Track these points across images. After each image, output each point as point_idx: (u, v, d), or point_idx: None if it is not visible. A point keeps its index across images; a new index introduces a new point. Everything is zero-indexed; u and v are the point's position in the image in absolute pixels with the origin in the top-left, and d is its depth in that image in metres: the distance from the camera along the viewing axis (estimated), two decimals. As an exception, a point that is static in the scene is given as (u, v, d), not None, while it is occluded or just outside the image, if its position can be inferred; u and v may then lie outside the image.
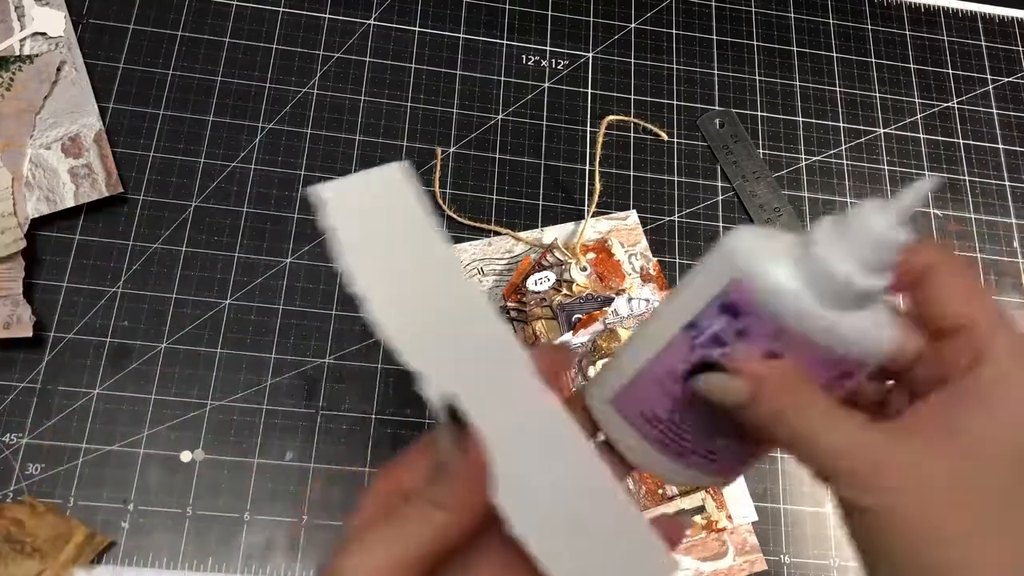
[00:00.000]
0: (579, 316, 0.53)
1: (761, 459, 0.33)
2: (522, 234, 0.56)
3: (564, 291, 0.54)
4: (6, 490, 0.47)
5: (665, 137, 0.61)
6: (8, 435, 0.48)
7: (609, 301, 0.54)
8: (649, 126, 0.61)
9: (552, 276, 0.54)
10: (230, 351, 0.52)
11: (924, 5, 0.70)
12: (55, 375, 0.50)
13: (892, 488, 0.23)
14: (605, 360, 0.51)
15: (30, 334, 0.49)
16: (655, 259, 0.56)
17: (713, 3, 0.67)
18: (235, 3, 0.61)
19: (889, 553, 0.23)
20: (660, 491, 0.49)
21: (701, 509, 0.50)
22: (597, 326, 0.53)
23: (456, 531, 0.25)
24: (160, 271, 0.53)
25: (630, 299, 0.54)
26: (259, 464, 0.50)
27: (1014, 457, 0.23)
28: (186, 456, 0.49)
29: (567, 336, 0.52)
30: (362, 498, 0.28)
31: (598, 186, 0.57)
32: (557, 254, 0.54)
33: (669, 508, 0.49)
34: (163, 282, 0.53)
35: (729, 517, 0.50)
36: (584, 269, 0.54)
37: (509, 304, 0.54)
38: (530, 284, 0.53)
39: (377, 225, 0.29)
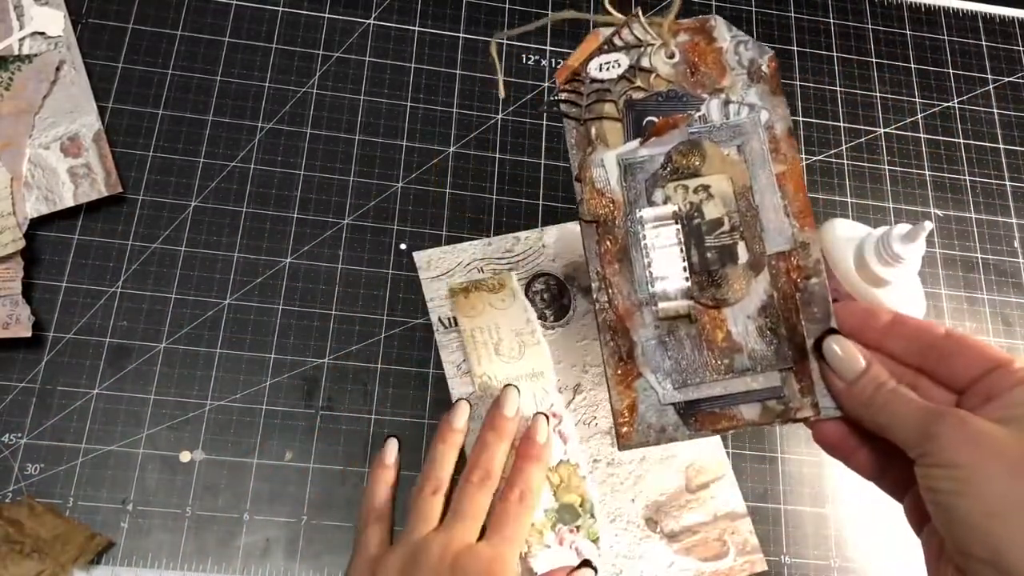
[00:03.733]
0: (653, 119, 0.40)
1: None
2: (602, 16, 0.42)
3: (638, 82, 0.40)
4: (5, 490, 0.47)
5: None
6: (7, 435, 0.48)
7: (698, 102, 0.40)
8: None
9: (625, 60, 0.40)
10: (230, 351, 0.52)
11: (924, 5, 0.70)
12: (54, 375, 0.50)
13: (968, 464, 0.29)
14: (680, 183, 0.39)
15: (29, 334, 0.49)
16: (771, 51, 0.40)
17: (713, 3, 0.67)
18: (234, 2, 0.61)
19: (963, 520, 0.29)
20: (727, 361, 0.38)
21: (779, 391, 0.38)
22: (676, 135, 0.39)
23: None
24: (159, 271, 0.53)
25: (727, 102, 0.39)
26: (258, 464, 0.50)
27: None
28: (186, 456, 0.49)
29: (633, 144, 0.39)
30: None
31: None
32: (637, 32, 0.40)
33: (735, 384, 0.38)
34: (162, 282, 0.53)
35: (815, 405, 0.37)
36: (672, 56, 0.40)
37: (562, 92, 0.40)
38: (592, 68, 0.40)
39: None
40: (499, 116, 0.61)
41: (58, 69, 0.55)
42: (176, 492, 0.48)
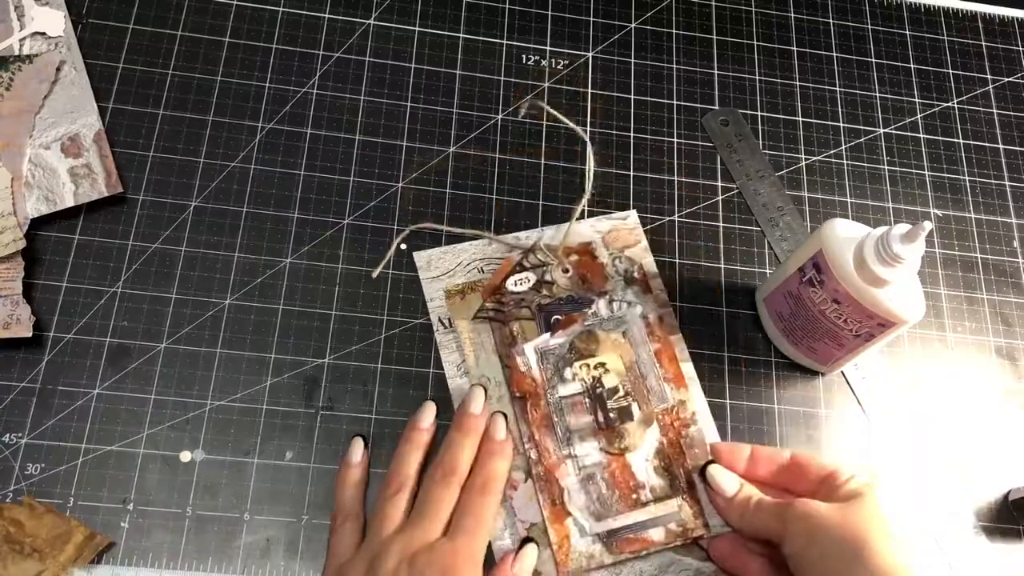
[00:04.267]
0: (558, 317, 0.52)
1: (854, 358, 0.52)
2: (509, 238, 0.56)
3: (544, 292, 0.53)
4: (6, 490, 0.47)
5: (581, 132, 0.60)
6: (8, 435, 0.48)
7: (589, 303, 0.53)
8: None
9: (533, 277, 0.53)
10: (230, 351, 0.52)
11: (924, 5, 0.70)
12: (55, 375, 0.50)
13: (795, 549, 0.42)
14: (583, 362, 0.51)
15: (30, 334, 0.49)
16: (640, 261, 0.55)
17: (713, 3, 0.67)
18: (235, 3, 0.61)
19: (816, 567, 0.42)
20: (634, 496, 0.48)
21: (676, 516, 0.48)
22: (576, 328, 0.52)
23: None
24: (160, 271, 0.53)
25: (611, 301, 0.53)
26: (259, 464, 0.50)
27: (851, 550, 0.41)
28: (186, 456, 0.49)
29: (545, 337, 0.52)
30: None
31: (586, 194, 0.56)
32: (540, 256, 0.54)
33: (642, 514, 0.48)
34: (163, 282, 0.53)
35: (705, 525, 0.48)
36: (566, 271, 0.54)
37: (488, 304, 0.53)
38: (509, 284, 0.53)
39: None
40: (499, 116, 0.61)
41: (58, 69, 0.55)
42: (176, 492, 0.48)
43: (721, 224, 0.60)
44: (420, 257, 0.55)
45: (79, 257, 0.53)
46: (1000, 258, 0.61)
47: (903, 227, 0.45)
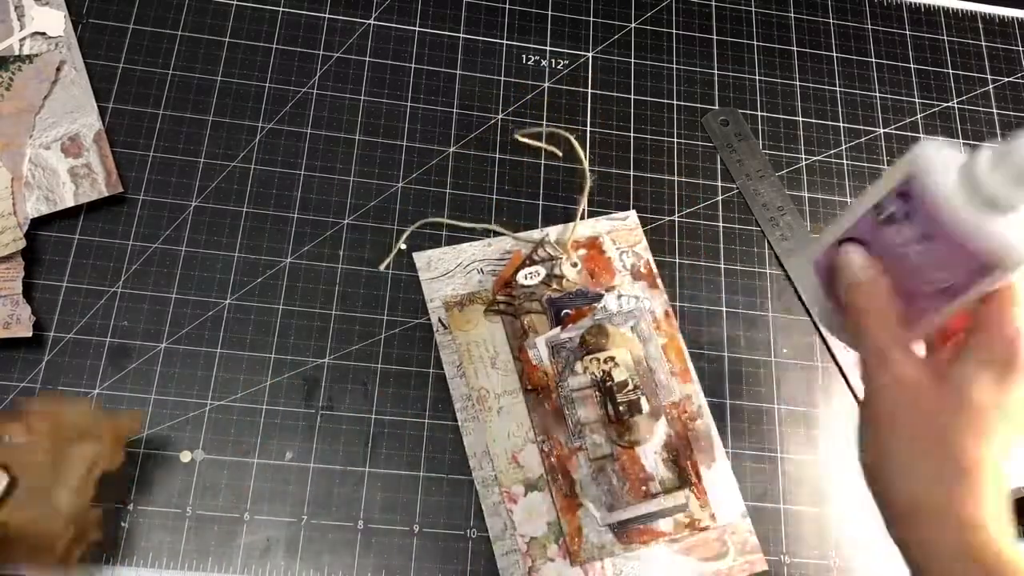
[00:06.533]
0: (568, 311, 0.54)
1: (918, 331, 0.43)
2: (520, 234, 0.56)
3: (554, 286, 0.54)
4: (6, 490, 0.47)
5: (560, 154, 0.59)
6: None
7: (599, 297, 0.54)
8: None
9: (543, 271, 0.54)
10: (230, 351, 0.52)
11: (924, 5, 0.70)
12: (55, 375, 0.50)
13: (883, 396, 0.36)
14: (593, 356, 0.52)
15: (30, 334, 0.49)
16: (647, 257, 0.56)
17: (713, 3, 0.67)
18: (235, 3, 0.61)
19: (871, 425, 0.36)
20: (644, 488, 0.50)
21: (684, 507, 0.50)
22: (586, 321, 0.53)
23: None
24: (160, 271, 0.53)
25: (620, 296, 0.54)
26: (259, 464, 0.50)
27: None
28: (186, 456, 0.49)
29: (555, 331, 0.53)
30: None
31: (587, 184, 0.56)
32: (548, 249, 0.55)
33: (651, 505, 0.49)
34: (163, 282, 0.53)
35: (712, 516, 0.50)
36: (575, 265, 0.55)
37: (499, 297, 0.54)
38: (520, 278, 0.54)
39: None
40: (499, 116, 0.61)
41: (58, 69, 0.55)
42: (176, 492, 0.48)
43: (721, 224, 0.59)
44: (420, 258, 0.55)
45: (79, 257, 0.53)
46: (1000, 258, 0.61)
47: None
